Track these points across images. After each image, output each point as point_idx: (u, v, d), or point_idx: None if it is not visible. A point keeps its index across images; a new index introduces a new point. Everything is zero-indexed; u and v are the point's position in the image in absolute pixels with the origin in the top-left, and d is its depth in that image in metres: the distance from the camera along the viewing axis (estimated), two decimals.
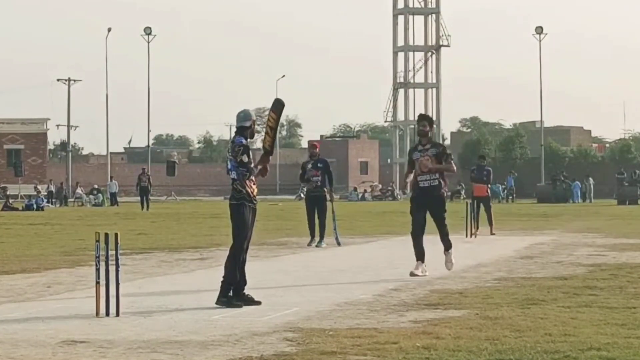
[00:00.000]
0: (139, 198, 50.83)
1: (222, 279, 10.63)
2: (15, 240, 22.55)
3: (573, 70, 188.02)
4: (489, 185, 25.11)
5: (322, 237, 20.05)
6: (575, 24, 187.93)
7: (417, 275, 13.19)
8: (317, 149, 20.62)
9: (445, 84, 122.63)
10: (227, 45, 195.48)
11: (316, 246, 19.75)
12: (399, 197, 74.65)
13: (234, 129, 11.41)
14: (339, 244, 20.04)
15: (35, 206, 48.09)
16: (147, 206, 47.57)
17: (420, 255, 13.46)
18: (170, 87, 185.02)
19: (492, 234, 23.46)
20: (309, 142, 21.89)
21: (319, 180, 20.12)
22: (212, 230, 26.37)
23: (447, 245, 13.83)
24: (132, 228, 27.14)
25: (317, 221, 20.13)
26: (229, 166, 10.91)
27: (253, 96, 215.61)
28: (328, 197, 20.15)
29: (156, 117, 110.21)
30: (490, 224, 23.87)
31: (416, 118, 14.42)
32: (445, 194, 13.98)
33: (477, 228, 23.36)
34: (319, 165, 20.22)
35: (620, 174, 62.43)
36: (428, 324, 9.03)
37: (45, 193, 63.49)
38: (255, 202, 10.84)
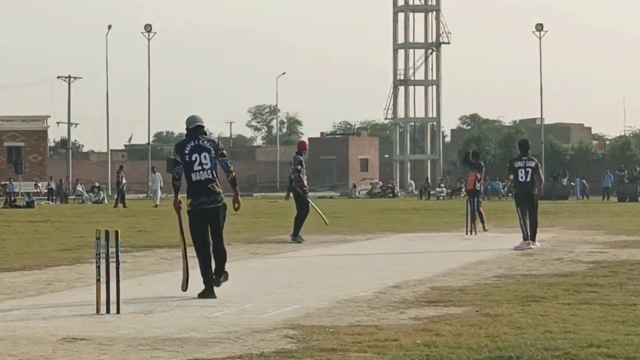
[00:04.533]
0: (141, 195, 50.46)
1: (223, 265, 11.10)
2: (15, 237, 22.53)
3: (573, 67, 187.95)
4: (482, 180, 24.80)
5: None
6: (575, 21, 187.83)
7: (531, 248, 17.76)
8: None
9: (446, 81, 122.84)
10: (228, 43, 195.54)
11: (298, 241, 19.91)
12: (399, 194, 74.57)
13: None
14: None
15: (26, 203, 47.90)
16: (123, 204, 46.96)
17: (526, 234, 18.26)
18: (170, 85, 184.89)
19: (484, 229, 23.28)
20: (303, 141, 22.02)
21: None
22: None
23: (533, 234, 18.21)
24: (132, 225, 27.13)
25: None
26: (211, 162, 10.99)
27: (253, 94, 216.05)
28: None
29: (156, 115, 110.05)
30: (482, 221, 23.62)
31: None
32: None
33: (478, 224, 23.24)
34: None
35: (621, 170, 62.40)
36: (428, 321, 9.03)
37: (36, 190, 63.35)
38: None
